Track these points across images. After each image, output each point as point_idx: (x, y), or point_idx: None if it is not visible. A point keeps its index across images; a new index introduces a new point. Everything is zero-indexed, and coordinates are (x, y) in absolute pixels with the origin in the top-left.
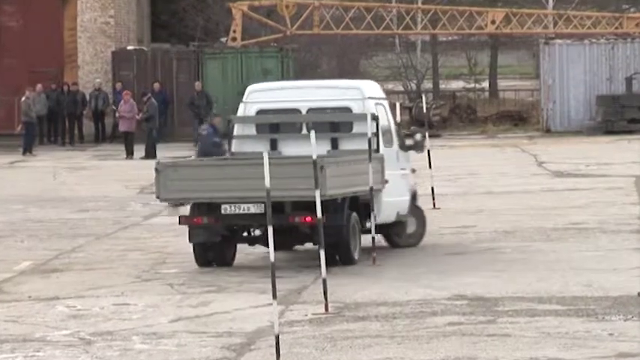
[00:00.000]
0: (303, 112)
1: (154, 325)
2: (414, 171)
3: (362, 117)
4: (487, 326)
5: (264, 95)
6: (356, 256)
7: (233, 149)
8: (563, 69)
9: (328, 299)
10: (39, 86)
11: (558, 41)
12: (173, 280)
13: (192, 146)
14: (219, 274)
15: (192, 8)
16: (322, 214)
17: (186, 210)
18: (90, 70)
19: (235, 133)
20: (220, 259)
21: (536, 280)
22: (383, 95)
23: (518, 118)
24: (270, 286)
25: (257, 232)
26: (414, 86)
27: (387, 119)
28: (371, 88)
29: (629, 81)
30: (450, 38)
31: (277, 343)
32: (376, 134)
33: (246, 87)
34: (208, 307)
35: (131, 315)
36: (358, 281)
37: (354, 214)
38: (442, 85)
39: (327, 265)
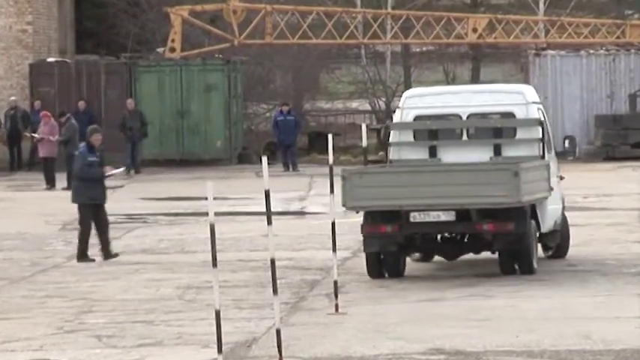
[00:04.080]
0: (464, 117)
1: None
2: (562, 178)
3: (529, 122)
4: None
5: (421, 101)
6: (535, 265)
7: (391, 157)
8: (556, 84)
9: (283, 354)
10: None
11: (550, 52)
12: (101, 332)
13: (124, 174)
14: (156, 324)
15: (124, 14)
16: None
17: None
18: (4, 86)
19: (391, 140)
20: (394, 269)
21: (525, 331)
22: (539, 100)
23: None
24: (215, 338)
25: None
26: (382, 105)
27: (547, 124)
28: (532, 92)
29: (632, 99)
30: (424, 49)
31: None
32: (542, 140)
33: (187, 105)
34: None
35: None
36: (318, 332)
37: (533, 221)
38: None
39: (504, 272)
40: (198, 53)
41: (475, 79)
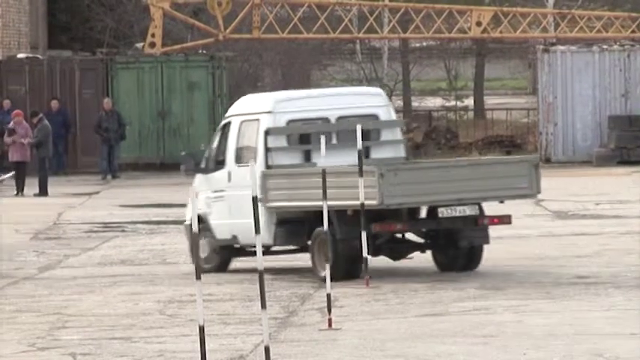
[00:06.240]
0: (333, 120)
1: None
2: None
3: (393, 124)
4: None
5: (292, 105)
6: None
7: (270, 162)
8: (566, 82)
9: None
10: None
11: (560, 48)
12: (76, 349)
13: (100, 179)
14: (135, 341)
15: (100, 6)
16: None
17: None
18: None
19: (269, 145)
20: (356, 272)
21: (533, 348)
22: None
23: (511, 145)
24: (199, 355)
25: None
26: None
27: None
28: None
29: None
30: (424, 44)
31: None
32: (405, 142)
33: (168, 104)
34: None
35: None
36: (310, 349)
37: None
38: (415, 103)
39: (458, 270)
40: (181, 49)
41: (479, 77)
